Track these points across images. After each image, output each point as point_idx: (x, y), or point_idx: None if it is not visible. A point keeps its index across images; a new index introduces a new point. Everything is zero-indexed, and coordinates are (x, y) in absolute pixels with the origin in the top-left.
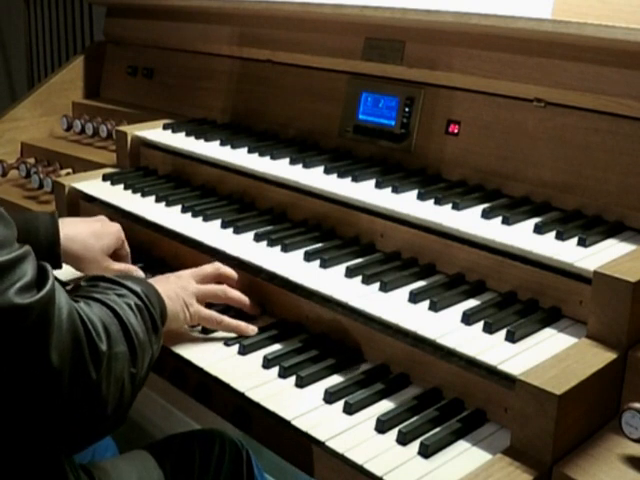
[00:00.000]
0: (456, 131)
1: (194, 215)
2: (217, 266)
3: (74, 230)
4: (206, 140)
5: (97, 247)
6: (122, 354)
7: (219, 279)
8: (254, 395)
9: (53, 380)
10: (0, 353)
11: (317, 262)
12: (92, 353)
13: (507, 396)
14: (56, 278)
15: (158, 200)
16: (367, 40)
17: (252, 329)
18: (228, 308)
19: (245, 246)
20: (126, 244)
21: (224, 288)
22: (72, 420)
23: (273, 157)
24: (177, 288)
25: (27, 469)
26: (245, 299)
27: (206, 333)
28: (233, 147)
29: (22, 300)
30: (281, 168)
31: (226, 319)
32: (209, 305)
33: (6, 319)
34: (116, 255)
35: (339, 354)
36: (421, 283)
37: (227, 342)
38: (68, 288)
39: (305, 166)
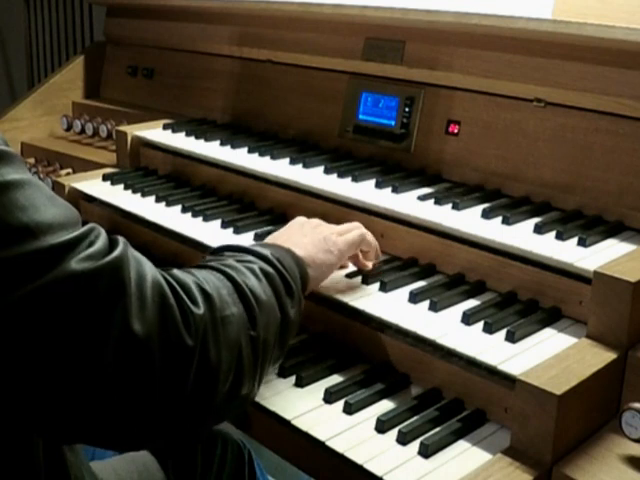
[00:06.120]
0: (456, 131)
1: (194, 215)
2: (364, 232)
3: None
4: (206, 140)
5: None
6: (236, 317)
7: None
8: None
9: (140, 349)
10: (76, 327)
11: None
12: (185, 319)
13: (507, 396)
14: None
15: (158, 200)
16: (367, 40)
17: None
18: None
19: None
20: None
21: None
22: (177, 393)
23: (273, 157)
24: (316, 237)
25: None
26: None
27: None
28: (233, 147)
29: (81, 268)
30: (281, 168)
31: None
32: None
33: (70, 289)
34: None
35: (339, 354)
36: (421, 283)
37: None
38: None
39: (305, 166)
